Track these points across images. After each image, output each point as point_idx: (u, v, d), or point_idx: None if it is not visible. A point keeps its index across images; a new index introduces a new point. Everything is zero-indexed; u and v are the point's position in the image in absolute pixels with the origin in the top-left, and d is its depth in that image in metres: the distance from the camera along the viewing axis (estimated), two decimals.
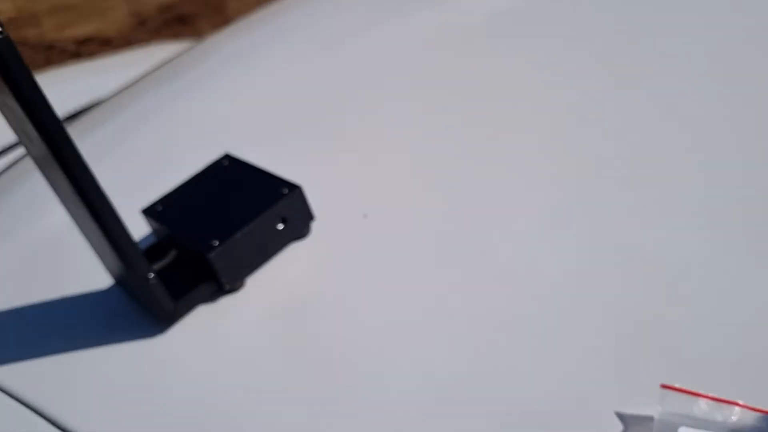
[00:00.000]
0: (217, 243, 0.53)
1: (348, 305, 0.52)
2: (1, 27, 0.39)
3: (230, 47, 0.92)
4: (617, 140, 0.61)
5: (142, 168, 0.72)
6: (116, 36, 3.32)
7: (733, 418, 0.39)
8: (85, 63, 1.78)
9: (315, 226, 0.59)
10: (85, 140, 0.79)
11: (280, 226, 0.56)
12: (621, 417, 0.41)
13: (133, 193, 0.63)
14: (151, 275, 0.50)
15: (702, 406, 0.40)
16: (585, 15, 0.77)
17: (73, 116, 1.24)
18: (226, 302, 0.54)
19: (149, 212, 0.58)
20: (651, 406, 0.41)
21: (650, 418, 0.40)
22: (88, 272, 0.58)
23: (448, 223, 0.57)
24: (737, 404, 0.40)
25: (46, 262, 0.63)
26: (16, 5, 3.76)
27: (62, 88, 1.41)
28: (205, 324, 0.53)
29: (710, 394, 0.40)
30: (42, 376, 0.52)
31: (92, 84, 1.37)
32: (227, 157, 0.61)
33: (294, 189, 0.56)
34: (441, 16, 0.83)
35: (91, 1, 3.66)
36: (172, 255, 0.57)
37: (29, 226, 0.68)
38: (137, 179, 0.69)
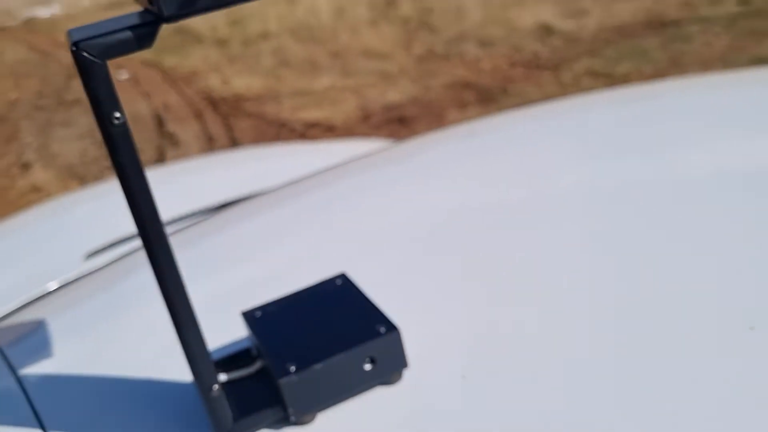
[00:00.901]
0: (293, 369, 0.49)
1: None
2: (120, 113, 0.40)
3: (414, 160, 0.92)
4: None
5: (285, 263, 0.72)
6: (341, 125, 3.56)
7: None
8: (307, 144, 1.92)
9: (407, 374, 0.53)
10: (257, 221, 0.82)
11: (368, 367, 0.51)
12: None
13: (264, 290, 0.62)
14: (215, 387, 0.48)
15: None
16: None
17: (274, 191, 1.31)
18: None
19: (248, 316, 0.56)
20: None
21: None
22: (181, 362, 0.57)
23: (557, 411, 0.48)
24: None
25: (148, 343, 0.63)
26: (266, 84, 4.19)
27: (288, 161, 1.54)
28: None
29: None
30: None
31: (312, 163, 1.46)
32: (342, 277, 0.59)
33: (392, 330, 0.52)
34: (638, 170, 0.76)
35: (327, 91, 3.98)
36: (256, 366, 0.54)
37: (146, 305, 0.69)
38: (270, 277, 0.69)
